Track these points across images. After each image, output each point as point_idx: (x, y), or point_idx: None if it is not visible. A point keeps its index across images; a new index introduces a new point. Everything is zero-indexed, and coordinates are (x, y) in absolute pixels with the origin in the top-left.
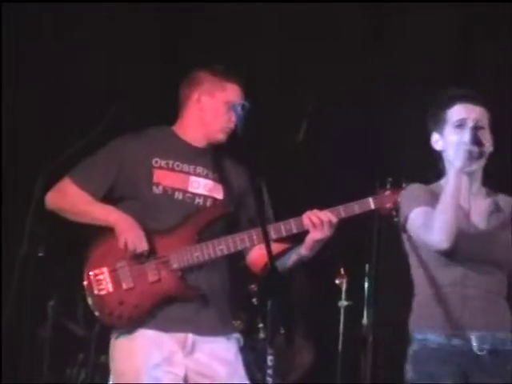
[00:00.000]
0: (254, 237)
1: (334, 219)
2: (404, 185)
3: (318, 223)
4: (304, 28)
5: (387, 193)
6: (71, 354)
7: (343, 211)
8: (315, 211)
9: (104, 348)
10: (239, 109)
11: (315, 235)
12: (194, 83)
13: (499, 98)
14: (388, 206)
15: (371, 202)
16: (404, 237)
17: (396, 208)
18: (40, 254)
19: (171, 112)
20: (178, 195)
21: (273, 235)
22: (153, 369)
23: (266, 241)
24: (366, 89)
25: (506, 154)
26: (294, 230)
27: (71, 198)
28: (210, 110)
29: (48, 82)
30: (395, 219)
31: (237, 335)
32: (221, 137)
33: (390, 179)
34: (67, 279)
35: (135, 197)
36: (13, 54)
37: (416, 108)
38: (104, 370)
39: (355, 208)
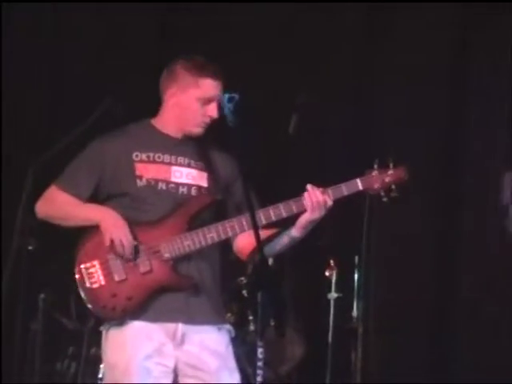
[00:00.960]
0: (244, 223)
1: (330, 201)
2: (391, 165)
3: (317, 203)
4: (294, 22)
5: (374, 173)
6: (62, 347)
7: (331, 193)
8: (314, 190)
9: (95, 341)
10: (227, 100)
11: (312, 215)
12: (171, 77)
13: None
14: (376, 186)
15: (359, 183)
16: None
17: (384, 188)
18: (30, 248)
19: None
20: (162, 185)
21: (263, 220)
22: (143, 360)
23: (255, 226)
24: (356, 82)
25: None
26: (284, 214)
27: (58, 204)
28: (184, 105)
29: (38, 77)
30: (384, 199)
31: (228, 326)
32: (196, 131)
33: (376, 160)
34: (58, 272)
35: (120, 193)
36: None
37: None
38: (95, 363)
39: (343, 189)
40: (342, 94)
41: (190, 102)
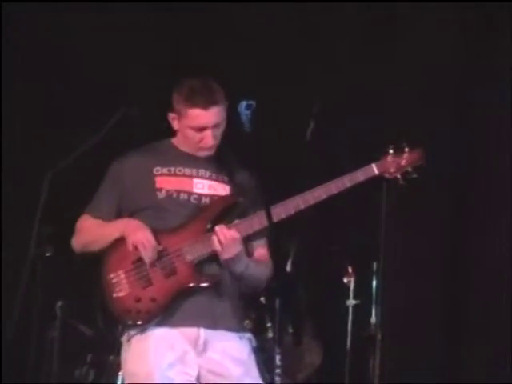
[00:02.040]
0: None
1: (237, 235)
2: (406, 149)
3: (225, 241)
4: (311, 27)
5: (389, 158)
6: (80, 355)
7: (348, 181)
8: (222, 229)
9: (112, 348)
10: (245, 108)
11: (226, 254)
12: (172, 103)
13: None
14: (392, 170)
15: (374, 168)
16: None
17: (400, 171)
18: (48, 254)
19: None
20: (184, 196)
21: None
22: (166, 369)
23: (272, 239)
24: (373, 88)
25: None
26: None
27: (86, 230)
28: (182, 131)
29: (51, 81)
30: (401, 182)
31: (249, 335)
32: (201, 154)
33: (391, 145)
34: (75, 279)
35: (142, 207)
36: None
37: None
38: (111, 370)
39: (359, 175)
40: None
41: (185, 129)
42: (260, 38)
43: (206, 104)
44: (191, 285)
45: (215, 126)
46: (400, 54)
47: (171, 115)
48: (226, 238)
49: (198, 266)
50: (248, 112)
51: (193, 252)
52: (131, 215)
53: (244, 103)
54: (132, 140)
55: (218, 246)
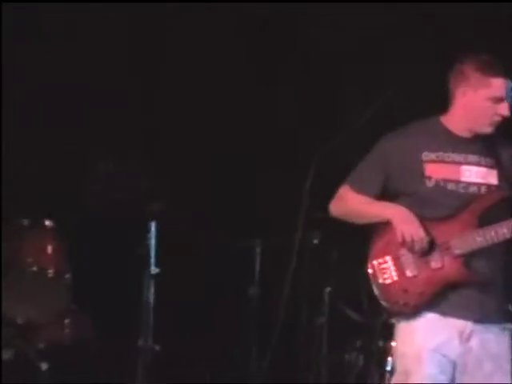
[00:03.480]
0: None
1: None
2: None
3: None
4: None
5: None
6: (350, 340)
7: None
8: None
9: (382, 334)
10: (510, 90)
11: None
12: (460, 77)
13: None
14: None
15: None
16: None
17: None
18: (315, 241)
19: (441, 99)
20: (452, 186)
21: None
22: (432, 350)
23: None
24: None
25: None
26: None
27: (350, 203)
28: (474, 105)
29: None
30: None
31: (511, 326)
32: (486, 130)
33: None
34: (342, 265)
35: (408, 192)
36: None
37: None
38: (381, 355)
39: None
40: None
41: (481, 101)
42: None
43: (505, 75)
44: (459, 280)
45: (508, 98)
46: None
47: (459, 90)
48: None
49: (466, 261)
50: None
51: (461, 246)
52: (394, 196)
53: (510, 85)
54: (395, 121)
55: None
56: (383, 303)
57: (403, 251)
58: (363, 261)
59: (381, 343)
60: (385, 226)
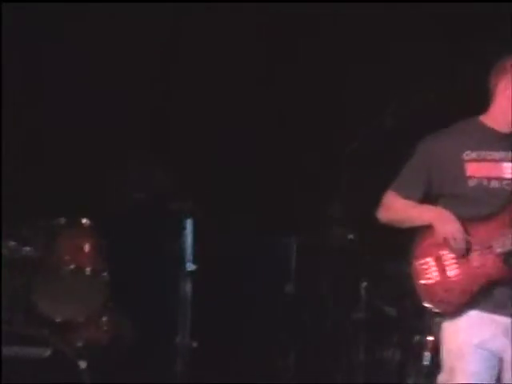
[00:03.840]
0: None
1: None
2: None
3: None
4: None
5: None
6: (386, 335)
7: None
8: None
9: (417, 328)
10: None
11: None
12: (501, 72)
13: None
14: None
15: None
16: None
17: None
18: (351, 237)
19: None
20: (495, 184)
21: None
22: (475, 347)
23: None
24: None
25: None
26: None
27: (394, 208)
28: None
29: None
30: None
31: None
32: None
33: None
34: (378, 261)
35: (451, 192)
36: None
37: None
38: (418, 350)
39: None
40: None
41: None
42: None
43: None
44: (501, 278)
45: None
46: None
47: (500, 85)
48: None
49: (507, 259)
50: None
51: (502, 245)
52: (437, 198)
53: None
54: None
55: None
56: (427, 303)
57: (444, 251)
58: (399, 255)
59: (417, 338)
60: (426, 228)
